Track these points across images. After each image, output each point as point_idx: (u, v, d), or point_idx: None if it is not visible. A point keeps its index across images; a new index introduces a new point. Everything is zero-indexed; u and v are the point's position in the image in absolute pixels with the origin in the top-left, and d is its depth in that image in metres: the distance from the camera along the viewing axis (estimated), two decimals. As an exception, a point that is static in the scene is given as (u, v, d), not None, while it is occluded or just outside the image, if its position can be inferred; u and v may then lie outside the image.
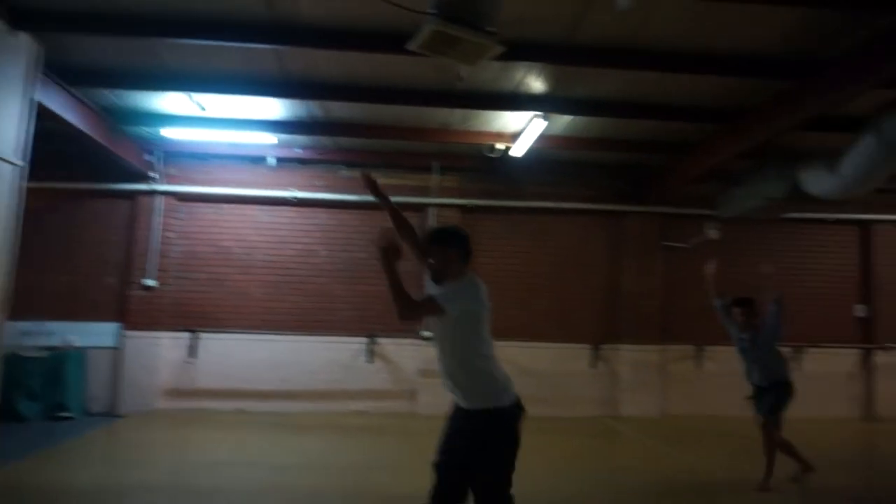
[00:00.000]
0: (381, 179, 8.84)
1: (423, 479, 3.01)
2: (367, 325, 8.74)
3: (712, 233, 8.49)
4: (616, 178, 9.15)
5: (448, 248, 3.16)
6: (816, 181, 6.24)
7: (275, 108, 7.06)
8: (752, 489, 5.26)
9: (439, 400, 8.47)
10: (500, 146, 7.67)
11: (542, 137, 7.32)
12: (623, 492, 5.28)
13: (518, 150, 7.51)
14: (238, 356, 8.47)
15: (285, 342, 8.62)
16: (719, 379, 9.08)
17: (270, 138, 7.66)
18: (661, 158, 8.21)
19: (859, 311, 9.48)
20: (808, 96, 5.48)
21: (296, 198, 8.68)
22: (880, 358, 9.32)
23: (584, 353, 9.01)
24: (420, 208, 8.95)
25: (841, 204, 9.50)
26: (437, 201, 8.88)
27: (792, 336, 9.27)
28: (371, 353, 8.69)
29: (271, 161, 8.70)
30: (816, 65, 5.36)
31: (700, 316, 9.21)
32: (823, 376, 9.28)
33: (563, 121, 7.11)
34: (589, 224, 9.24)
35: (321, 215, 8.97)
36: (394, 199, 8.47)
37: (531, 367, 8.84)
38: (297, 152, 8.62)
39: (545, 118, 6.50)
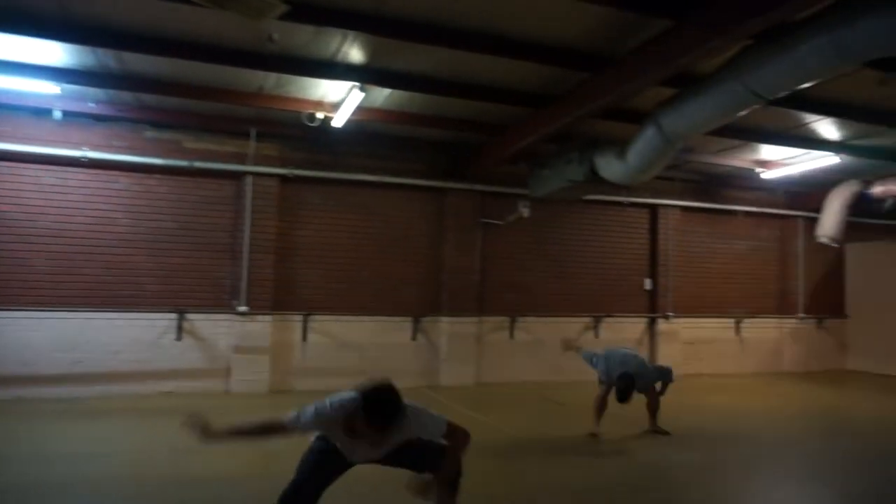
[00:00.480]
0: (193, 144, 8.41)
1: (236, 460, 2.83)
2: (175, 300, 8.14)
3: (524, 211, 9.03)
4: (439, 154, 9.35)
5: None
6: (609, 167, 6.86)
7: (56, 53, 6.18)
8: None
9: (254, 377, 8.34)
10: (320, 115, 7.44)
11: (363, 109, 7.22)
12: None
13: (339, 120, 7.35)
14: (14, 336, 7.46)
15: (77, 320, 7.73)
16: (529, 347, 9.81)
17: (52, 88, 6.71)
18: (479, 137, 8.51)
19: (647, 284, 10.69)
20: (602, 88, 5.95)
21: (88, 158, 7.73)
22: (661, 326, 10.62)
23: (405, 325, 9.19)
24: (237, 176, 8.47)
25: (637, 188, 10.63)
26: (254, 169, 8.44)
27: (592, 307, 10.28)
28: (180, 330, 8.11)
29: (57, 114, 7.66)
30: (611, 60, 5.85)
31: (513, 289, 9.85)
32: (617, 342, 10.37)
33: (383, 94, 7.07)
34: (413, 199, 9.37)
35: (122, 180, 8.12)
36: (207, 164, 7.97)
37: (353, 340, 8.87)
38: (91, 107, 7.67)
39: (362, 89, 6.40)
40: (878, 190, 9.78)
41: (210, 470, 4.72)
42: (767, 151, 9.43)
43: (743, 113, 5.51)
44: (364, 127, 8.42)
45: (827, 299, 12.30)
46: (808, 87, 6.68)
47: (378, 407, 2.93)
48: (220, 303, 8.41)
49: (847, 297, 12.49)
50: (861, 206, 10.09)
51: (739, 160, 9.81)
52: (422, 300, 9.33)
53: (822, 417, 7.90)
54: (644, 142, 6.30)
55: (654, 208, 10.76)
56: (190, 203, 8.35)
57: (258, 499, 4.17)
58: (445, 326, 9.31)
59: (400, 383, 8.63)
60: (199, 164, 8.23)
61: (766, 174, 10.02)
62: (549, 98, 6.85)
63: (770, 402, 8.67)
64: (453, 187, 9.43)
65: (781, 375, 11.20)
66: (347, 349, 8.84)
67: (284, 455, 3.40)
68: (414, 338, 9.19)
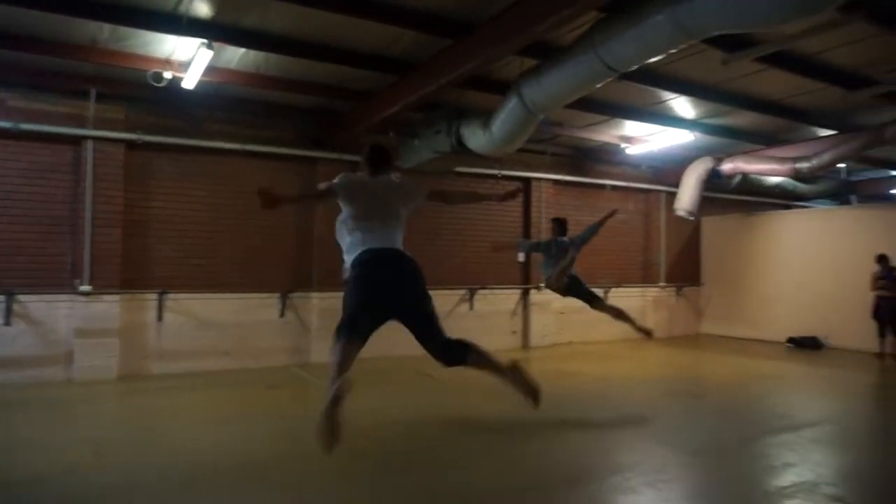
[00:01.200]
0: (18, 103, 7.44)
1: (79, 456, 2.42)
2: (1, 281, 7.23)
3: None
4: (307, 122, 8.91)
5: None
6: (474, 138, 6.80)
7: None
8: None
9: (101, 362, 7.63)
10: (167, 75, 6.78)
11: (216, 70, 6.68)
12: (273, 439, 5.18)
13: (189, 81, 6.73)
14: None
15: None
16: (404, 321, 9.70)
17: None
18: (345, 105, 8.18)
19: (520, 256, 10.90)
20: (464, 55, 5.81)
21: None
22: (534, 296, 10.89)
23: (272, 302, 8.76)
24: (75, 141, 7.60)
25: (510, 161, 10.72)
26: (95, 134, 7.60)
27: (467, 279, 10.31)
28: (9, 314, 7.22)
29: None
30: (472, 26, 5.73)
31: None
32: (491, 314, 10.55)
33: (237, 54, 6.56)
34: (280, 169, 8.88)
35: (-71, 142, 7.03)
36: (37, 127, 7.08)
37: (214, 318, 8.35)
38: None
39: (210, 47, 5.86)
40: (727, 167, 10.50)
41: (31, 470, 4.20)
42: (631, 127, 9.82)
43: (599, 85, 5.59)
44: (222, 90, 7.82)
45: (685, 269, 13.18)
46: (663, 65, 7.03)
47: (374, 150, 4.25)
48: (58, 282, 7.57)
49: (702, 266, 13.46)
50: (713, 182, 10.81)
51: (606, 135, 10.15)
52: (290, 276, 8.93)
53: (675, 379, 8.42)
54: (507, 113, 6.27)
55: (527, 181, 10.93)
56: (17, 171, 7.39)
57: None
58: (316, 302, 8.98)
59: (267, 363, 8.25)
60: (26, 127, 7.29)
61: (631, 149, 10.45)
62: (413, 65, 6.65)
63: (631, 365, 9.14)
64: (323, 157, 9.03)
65: (646, 341, 11.88)
66: (208, 329, 8.30)
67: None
68: (282, 315, 8.79)
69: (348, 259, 3.92)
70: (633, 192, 12.32)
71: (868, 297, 10.11)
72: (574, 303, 11.41)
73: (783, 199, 13.50)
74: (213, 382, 7.52)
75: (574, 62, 5.34)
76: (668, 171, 11.95)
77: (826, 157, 9.13)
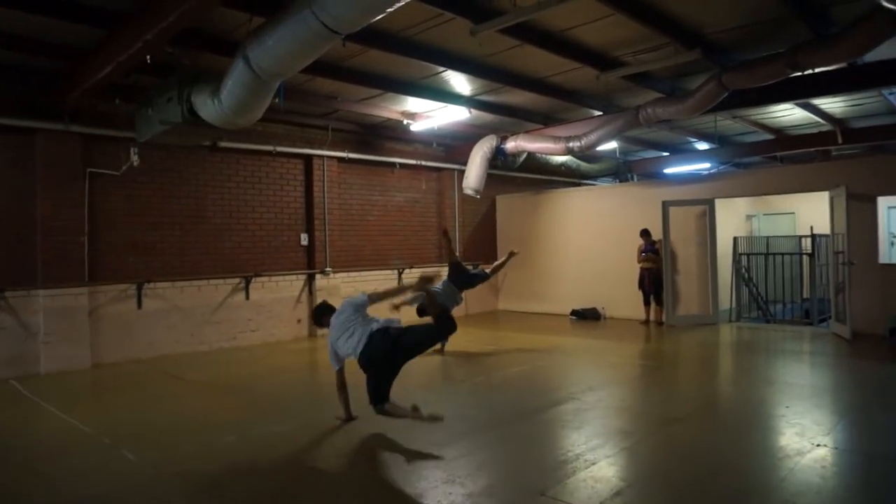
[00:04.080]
0: None
1: None
2: None
3: (135, 158, 7.67)
4: (20, 85, 7.35)
5: None
6: (205, 107, 5.90)
7: None
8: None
9: None
10: None
11: None
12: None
13: None
14: None
15: None
16: (164, 317, 8.58)
17: None
18: (58, 64, 6.84)
19: (303, 239, 10.18)
20: (169, 3, 4.90)
21: None
22: (320, 281, 10.25)
23: (-20, 304, 7.20)
24: None
25: (290, 137, 9.91)
26: None
27: (240, 266, 9.39)
28: None
29: None
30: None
31: (138, 250, 8.45)
32: (272, 303, 9.74)
33: None
34: (-18, 141, 7.28)
35: None
36: None
37: None
38: None
39: None
40: (510, 145, 10.58)
41: None
42: (413, 103, 9.46)
43: (325, 49, 4.98)
44: None
45: (482, 246, 13.33)
46: (414, 34, 6.67)
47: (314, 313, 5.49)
48: None
49: (498, 243, 13.72)
50: (500, 160, 10.87)
51: (387, 111, 9.71)
52: (4, 271, 7.39)
53: (441, 364, 8.25)
54: (234, 78, 5.46)
55: (308, 159, 10.20)
56: None
57: None
58: (43, 301, 7.54)
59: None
60: None
61: (415, 126, 10.12)
62: (123, 16, 5.58)
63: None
64: (45, 128, 7.54)
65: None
66: None
67: None
68: (-5, 318, 7.27)
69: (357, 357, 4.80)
70: (425, 170, 12.10)
71: (636, 269, 10.84)
72: (365, 286, 11.02)
73: (569, 177, 14.14)
74: None
75: (293, 21, 4.68)
76: (459, 149, 11.86)
77: (593, 137, 9.46)
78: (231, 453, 4.42)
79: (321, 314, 5.34)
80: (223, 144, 8.97)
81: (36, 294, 7.53)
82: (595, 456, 4.14)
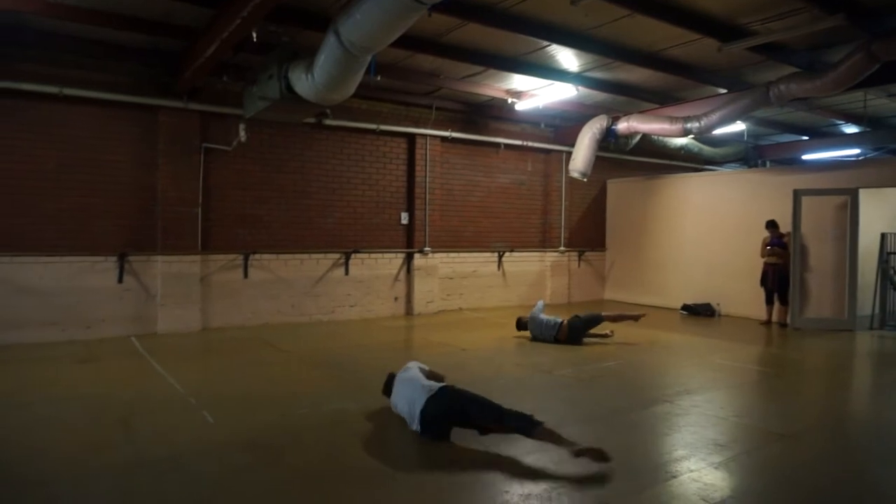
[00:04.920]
0: None
1: None
2: None
3: (242, 134, 7.99)
4: (146, 65, 7.89)
5: None
6: (300, 83, 5.97)
7: None
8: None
9: None
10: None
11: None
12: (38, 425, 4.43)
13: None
14: None
15: None
16: (267, 288, 8.97)
17: None
18: (177, 44, 7.23)
19: (403, 218, 10.21)
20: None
21: None
22: (418, 261, 10.26)
23: (108, 266, 7.88)
24: None
25: (394, 116, 9.94)
26: None
27: (341, 242, 9.60)
28: None
29: None
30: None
31: (246, 223, 8.86)
32: (371, 279, 9.89)
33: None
34: (114, 117, 7.88)
35: None
36: None
37: (36, 284, 7.44)
38: None
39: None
40: (622, 126, 9.93)
41: None
42: (518, 81, 9.13)
43: (411, 21, 4.82)
44: (33, 23, 6.79)
45: (589, 232, 12.75)
46: (510, 6, 6.34)
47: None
48: None
49: (607, 229, 13.05)
50: (610, 142, 10.26)
51: (492, 89, 9.44)
52: (129, 237, 8.02)
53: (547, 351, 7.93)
54: (326, 54, 5.46)
55: (411, 137, 10.18)
56: None
57: None
58: (161, 266, 8.13)
59: (102, 333, 7.35)
60: None
61: (519, 105, 9.78)
62: (224, -6, 5.77)
63: (508, 335, 8.57)
64: (166, 105, 8.06)
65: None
66: (28, 296, 7.39)
67: None
68: (120, 280, 7.93)
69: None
70: (531, 151, 11.70)
71: (759, 264, 9.85)
72: (463, 268, 10.98)
73: (690, 161, 13.14)
74: (24, 357, 6.66)
75: (379, -8, 4.56)
76: (568, 130, 11.32)
77: (714, 117, 8.62)
78: (301, 426, 4.46)
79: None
80: (329, 122, 9.15)
81: (155, 260, 8.13)
82: (678, 469, 3.72)
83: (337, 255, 9.54)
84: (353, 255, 9.61)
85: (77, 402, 5.02)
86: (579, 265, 12.52)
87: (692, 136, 9.75)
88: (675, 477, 3.59)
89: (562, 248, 12.14)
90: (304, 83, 5.89)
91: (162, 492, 3.31)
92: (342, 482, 3.51)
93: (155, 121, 8.09)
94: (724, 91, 8.88)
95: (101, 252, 7.83)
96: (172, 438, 4.16)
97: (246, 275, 8.76)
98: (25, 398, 5.11)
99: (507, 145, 11.24)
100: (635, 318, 8.29)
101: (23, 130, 7.38)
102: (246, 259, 8.73)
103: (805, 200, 9.44)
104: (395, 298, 10.18)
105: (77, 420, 4.55)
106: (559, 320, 7.82)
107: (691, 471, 3.69)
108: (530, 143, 11.50)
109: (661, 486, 3.47)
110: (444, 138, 10.47)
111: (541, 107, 9.78)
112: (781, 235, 9.63)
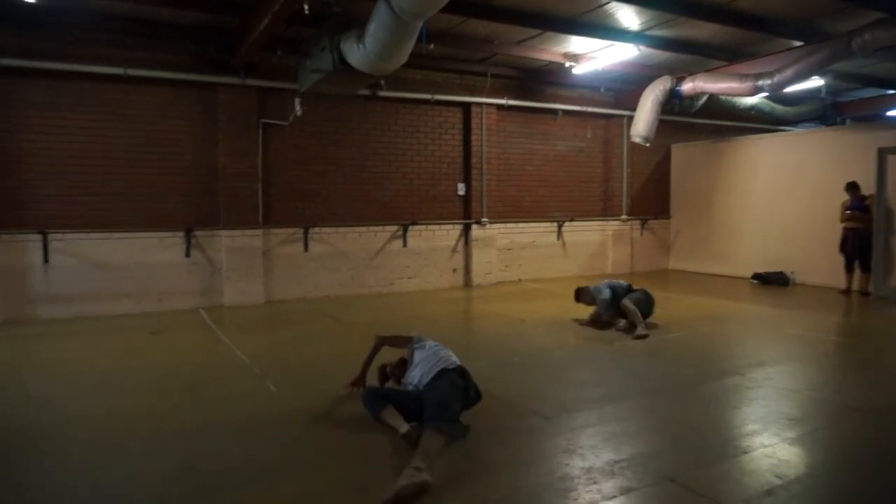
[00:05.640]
0: None
1: None
2: None
3: (298, 109, 8.03)
4: (204, 43, 8.02)
5: None
6: (352, 53, 5.91)
7: None
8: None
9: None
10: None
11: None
12: (117, 392, 4.65)
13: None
14: None
15: None
16: (327, 260, 9.10)
17: None
18: (235, 20, 7.29)
19: (460, 189, 10.11)
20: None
21: None
22: (476, 232, 10.16)
23: (176, 241, 8.16)
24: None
25: (448, 85, 9.79)
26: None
27: (398, 214, 9.61)
28: None
29: None
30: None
31: (305, 197, 8.98)
32: (429, 251, 9.88)
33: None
34: (175, 96, 8.08)
35: None
36: None
37: (111, 260, 7.81)
38: None
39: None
40: (687, 87, 9.45)
41: None
42: (575, 44, 8.79)
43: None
44: (98, 7, 7.00)
45: (652, 200, 12.30)
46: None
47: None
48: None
49: (672, 196, 12.55)
50: (675, 105, 9.79)
51: (549, 53, 9.13)
52: (194, 213, 8.27)
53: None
54: (377, 22, 5.36)
55: (466, 106, 10.01)
56: None
57: None
58: (225, 240, 8.36)
59: (172, 306, 7.67)
60: None
61: (578, 68, 9.42)
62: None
63: (567, 306, 8.41)
64: (224, 82, 8.19)
65: (604, 278, 11.16)
66: (104, 271, 7.76)
67: None
68: (188, 255, 8.20)
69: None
70: (590, 117, 11.32)
71: (837, 229, 9.27)
72: (522, 239, 10.82)
73: (760, 122, 12.42)
74: (100, 328, 7.04)
75: (428, -47, 4.42)
76: (629, 93, 10.87)
77: (788, 73, 8.05)
78: (354, 397, 4.50)
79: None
80: (383, 94, 9.09)
81: (219, 234, 8.36)
82: (749, 444, 3.54)
83: (395, 228, 9.56)
84: (410, 227, 9.61)
85: (148, 370, 5.24)
86: (642, 234, 12.12)
87: (764, 94, 9.16)
88: (746, 452, 3.41)
89: (624, 217, 11.78)
90: (356, 53, 5.83)
91: (227, 457, 3.40)
92: (401, 452, 3.51)
93: (214, 98, 8.24)
94: (800, 44, 8.26)
95: (169, 228, 8.11)
96: (237, 406, 4.28)
97: (306, 248, 8.91)
98: (102, 366, 5.38)
99: (565, 111, 10.91)
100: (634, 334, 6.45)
101: (92, 112, 7.66)
102: (306, 232, 8.86)
103: (891, 159, 8.76)
104: (454, 270, 10.15)
105: (148, 387, 4.75)
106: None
107: (764, 446, 3.50)
108: (589, 109, 11.12)
109: (730, 461, 3.31)
110: (499, 106, 10.25)
111: (600, 69, 9.40)
112: (863, 198, 9.00)
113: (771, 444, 3.53)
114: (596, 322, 6.86)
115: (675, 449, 3.50)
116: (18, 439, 3.70)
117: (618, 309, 6.71)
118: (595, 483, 3.05)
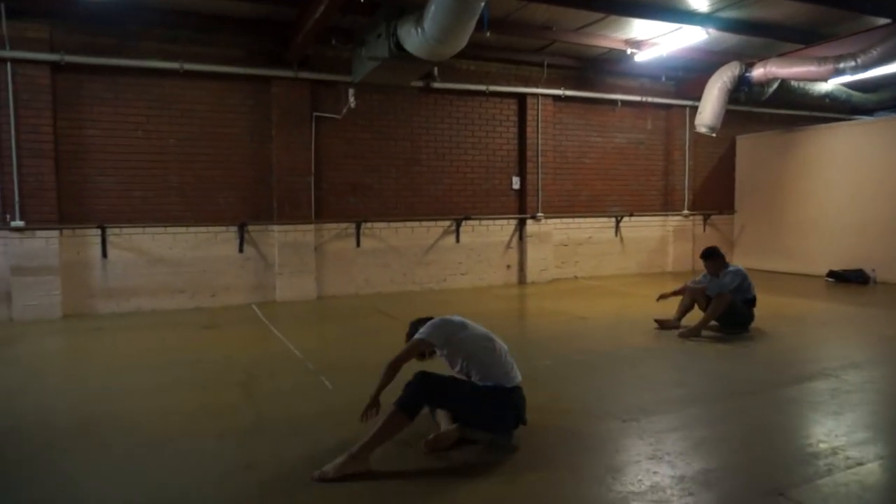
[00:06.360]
0: None
1: None
2: (-73, 216, 6.85)
3: (352, 101, 7.88)
4: (257, 36, 7.96)
5: None
6: (410, 38, 5.71)
7: None
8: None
9: (43, 301, 7.25)
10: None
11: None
12: (168, 386, 4.54)
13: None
14: None
15: None
16: (379, 256, 8.93)
17: None
18: (291, 12, 7.18)
19: (515, 183, 9.79)
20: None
21: None
22: (531, 227, 9.83)
23: (230, 236, 8.12)
24: (-5, 64, 6.96)
25: (503, 76, 9.50)
26: (13, 55, 6.92)
27: (451, 209, 9.37)
28: (-61, 251, 6.88)
29: None
30: None
31: (357, 191, 8.83)
32: (482, 247, 9.61)
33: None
34: (229, 90, 8.04)
35: None
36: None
37: (167, 254, 7.83)
38: None
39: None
40: (757, 73, 8.94)
41: None
42: (638, 28, 8.38)
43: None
44: (155, 3, 7.01)
45: (716, 194, 11.71)
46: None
47: None
48: (-5, 218, 7.15)
49: (736, 191, 11.93)
50: (743, 92, 9.26)
51: (609, 40, 8.74)
52: (247, 207, 8.21)
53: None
54: (437, 3, 5.15)
55: (522, 98, 9.68)
56: (-70, 98, 6.88)
57: None
58: (277, 235, 8.28)
59: (226, 301, 7.64)
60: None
61: (640, 55, 8.99)
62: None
63: (626, 304, 8.02)
64: (277, 76, 8.10)
65: (664, 275, 10.70)
66: (160, 265, 7.78)
67: None
68: (241, 250, 8.15)
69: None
70: (651, 107, 10.82)
71: (925, 224, 8.56)
72: (578, 234, 10.43)
73: (836, 111, 11.67)
74: (155, 322, 7.02)
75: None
76: (693, 81, 10.34)
77: (874, 54, 7.47)
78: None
79: None
80: (436, 85, 8.87)
81: (272, 229, 8.28)
82: (862, 454, 3.13)
83: (447, 223, 9.32)
84: (463, 223, 9.35)
85: (203, 365, 5.13)
86: (704, 230, 11.54)
87: (843, 79, 8.55)
88: (861, 464, 3.01)
89: (685, 212, 11.23)
90: (414, 38, 5.62)
91: (282, 455, 3.20)
92: (455, 451, 3.25)
93: (267, 92, 8.17)
94: (888, 21, 7.64)
95: (223, 223, 8.07)
96: (292, 403, 4.10)
97: (358, 243, 8.76)
98: (155, 361, 5.30)
99: (624, 102, 10.46)
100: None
101: (148, 106, 7.68)
102: (358, 228, 8.71)
103: None
104: (508, 266, 9.84)
105: (202, 382, 4.62)
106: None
107: (881, 457, 3.09)
108: (650, 99, 10.64)
109: (844, 474, 2.91)
110: (556, 97, 9.89)
111: (664, 55, 8.92)
112: (957, 189, 8.27)
113: (889, 455, 3.11)
114: (690, 294, 6.18)
115: (776, 458, 3.12)
116: (74, 432, 3.59)
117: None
118: (691, 494, 2.71)
